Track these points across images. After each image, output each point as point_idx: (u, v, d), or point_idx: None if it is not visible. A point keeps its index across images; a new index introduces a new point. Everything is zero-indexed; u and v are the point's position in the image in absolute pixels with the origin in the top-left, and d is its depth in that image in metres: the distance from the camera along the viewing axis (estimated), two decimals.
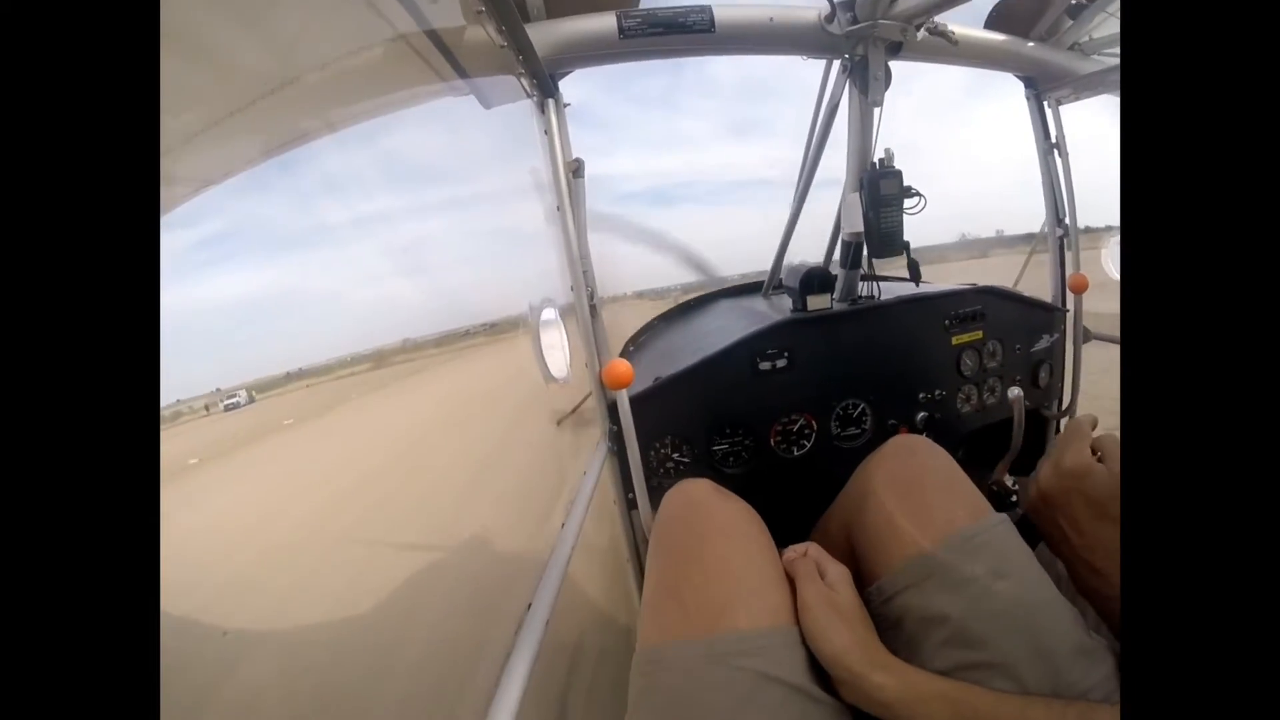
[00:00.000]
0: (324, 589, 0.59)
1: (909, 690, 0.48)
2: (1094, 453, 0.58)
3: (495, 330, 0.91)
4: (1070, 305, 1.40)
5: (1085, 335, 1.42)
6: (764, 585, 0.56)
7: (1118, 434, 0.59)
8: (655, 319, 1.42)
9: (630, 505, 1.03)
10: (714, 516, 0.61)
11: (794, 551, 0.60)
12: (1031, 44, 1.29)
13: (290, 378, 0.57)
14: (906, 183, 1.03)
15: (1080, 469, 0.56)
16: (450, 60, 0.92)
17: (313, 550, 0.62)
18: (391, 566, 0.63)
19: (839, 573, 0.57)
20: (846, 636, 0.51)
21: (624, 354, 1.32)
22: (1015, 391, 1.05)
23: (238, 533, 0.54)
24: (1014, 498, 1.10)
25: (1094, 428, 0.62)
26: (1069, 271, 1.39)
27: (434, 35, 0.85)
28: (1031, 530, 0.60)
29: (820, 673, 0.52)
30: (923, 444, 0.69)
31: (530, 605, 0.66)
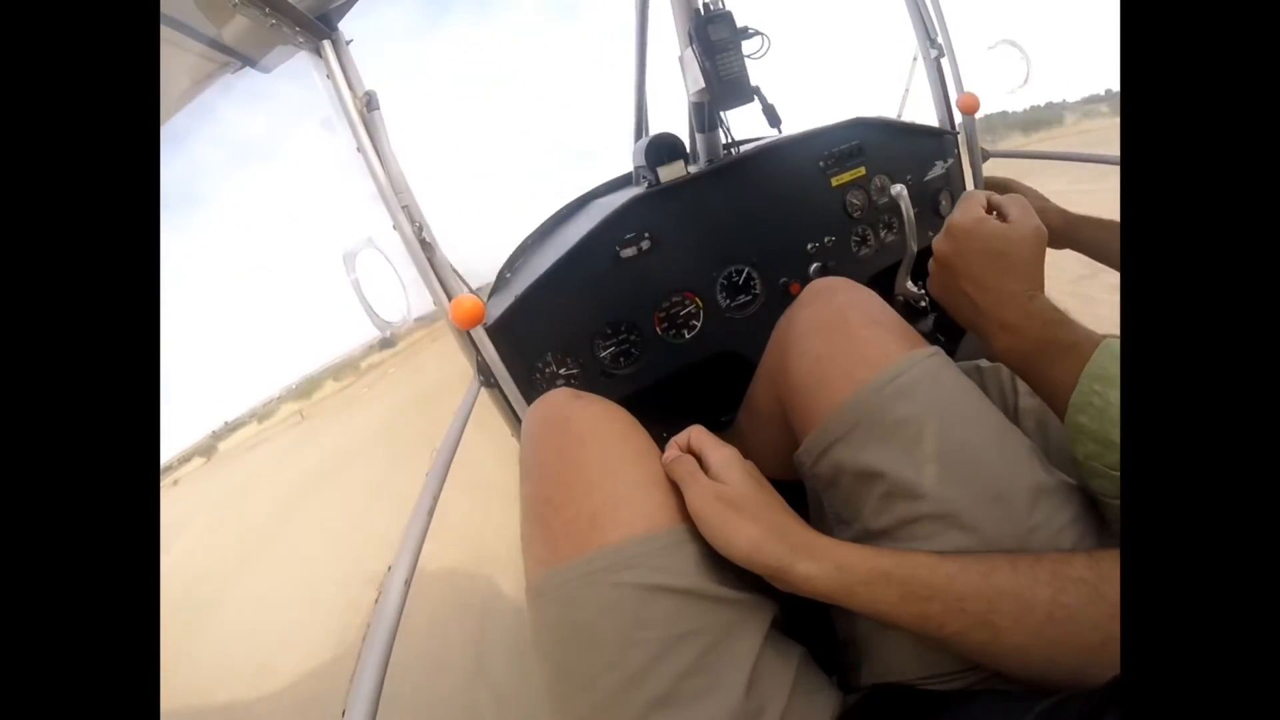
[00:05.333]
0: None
1: (843, 574, 0.41)
2: (990, 211, 0.53)
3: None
4: (961, 127, 1.32)
5: (983, 155, 1.35)
6: (632, 490, 0.49)
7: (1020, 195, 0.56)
8: (527, 238, 1.33)
9: None
10: (570, 427, 0.53)
11: (673, 448, 0.52)
12: None
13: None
14: (742, 23, 0.94)
15: (971, 222, 0.52)
16: (206, 41, 0.83)
17: None
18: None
19: (723, 457, 0.49)
20: (751, 530, 0.44)
21: (499, 281, 1.23)
22: (898, 188, 0.97)
23: None
24: (924, 303, 1.03)
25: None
26: (952, 92, 1.31)
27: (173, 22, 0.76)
28: (950, 329, 0.54)
29: (720, 567, 0.45)
30: (843, 283, 0.63)
31: (390, 568, 0.60)
